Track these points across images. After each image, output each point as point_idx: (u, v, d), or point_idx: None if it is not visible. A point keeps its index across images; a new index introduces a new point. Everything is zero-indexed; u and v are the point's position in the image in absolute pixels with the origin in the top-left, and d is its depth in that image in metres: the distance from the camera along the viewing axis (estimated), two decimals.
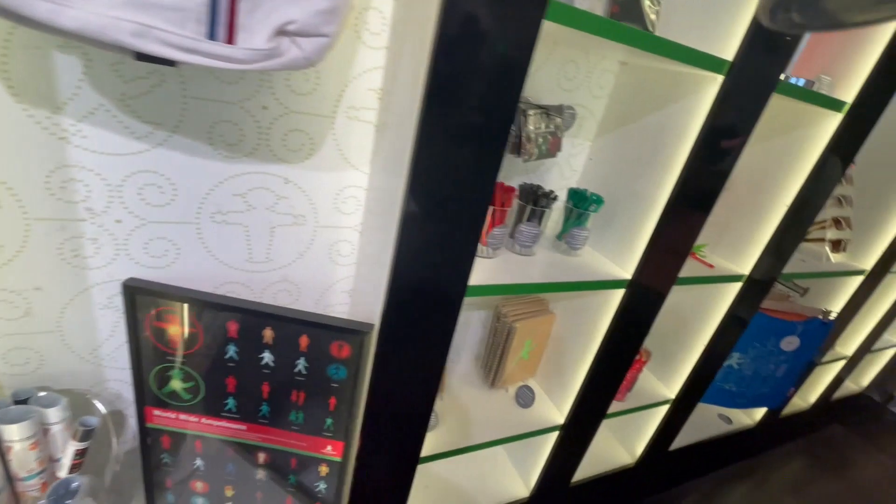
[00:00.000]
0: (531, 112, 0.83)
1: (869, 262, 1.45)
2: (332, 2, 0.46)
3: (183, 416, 0.87)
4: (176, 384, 0.83)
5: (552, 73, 0.90)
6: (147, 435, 0.88)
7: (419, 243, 0.63)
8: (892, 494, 1.89)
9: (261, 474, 0.93)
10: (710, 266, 1.09)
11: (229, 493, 0.95)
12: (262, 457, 0.91)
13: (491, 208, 0.80)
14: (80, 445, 0.73)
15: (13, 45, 0.56)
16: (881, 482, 1.94)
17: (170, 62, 0.50)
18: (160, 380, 0.83)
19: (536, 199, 0.86)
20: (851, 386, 2.21)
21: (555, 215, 1.07)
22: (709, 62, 0.72)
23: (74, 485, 0.65)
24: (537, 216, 0.87)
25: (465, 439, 1.00)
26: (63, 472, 0.73)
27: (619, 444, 1.48)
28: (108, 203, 0.69)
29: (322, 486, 0.93)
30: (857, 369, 2.03)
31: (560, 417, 1.10)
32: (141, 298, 0.75)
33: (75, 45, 0.59)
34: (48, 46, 0.58)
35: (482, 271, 0.80)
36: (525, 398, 1.12)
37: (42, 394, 0.73)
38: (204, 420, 0.87)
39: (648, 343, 1.31)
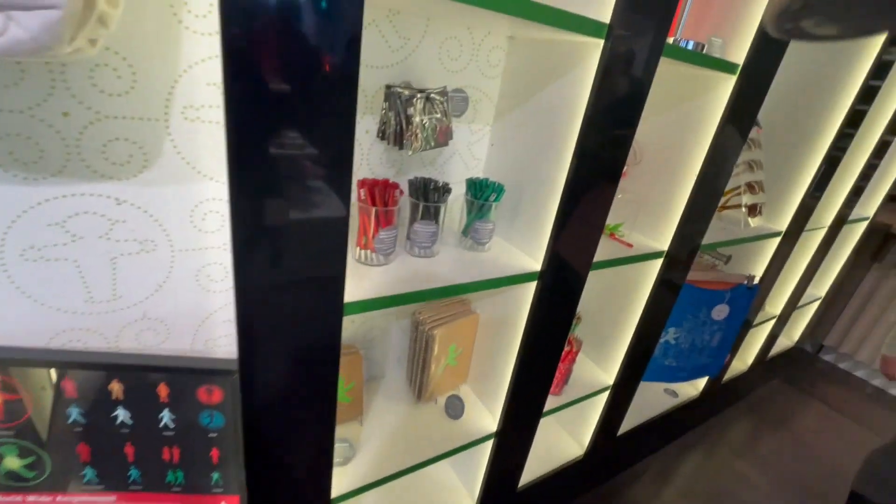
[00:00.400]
0: (412, 98, 0.74)
1: (784, 223, 1.48)
2: None
3: (32, 498, 0.71)
4: (12, 462, 0.68)
5: (431, 53, 0.81)
6: None
7: (262, 260, 0.52)
8: (831, 439, 1.97)
9: None
10: (629, 245, 1.05)
11: None
12: None
13: (373, 209, 0.71)
14: None
15: None
16: (822, 430, 2.03)
17: None
18: None
19: (427, 194, 0.78)
20: (785, 341, 2.30)
21: (457, 209, 0.99)
22: (587, 26, 0.66)
23: None
24: (432, 213, 0.78)
25: (391, 465, 0.91)
26: None
27: (568, 436, 1.43)
28: None
29: None
30: (787, 325, 2.11)
31: (493, 424, 1.03)
32: None
33: None
34: None
35: (372, 281, 0.70)
36: (454, 409, 1.04)
37: None
38: (60, 498, 0.72)
39: (579, 330, 1.27)
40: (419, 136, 0.76)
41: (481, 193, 0.84)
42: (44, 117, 0.57)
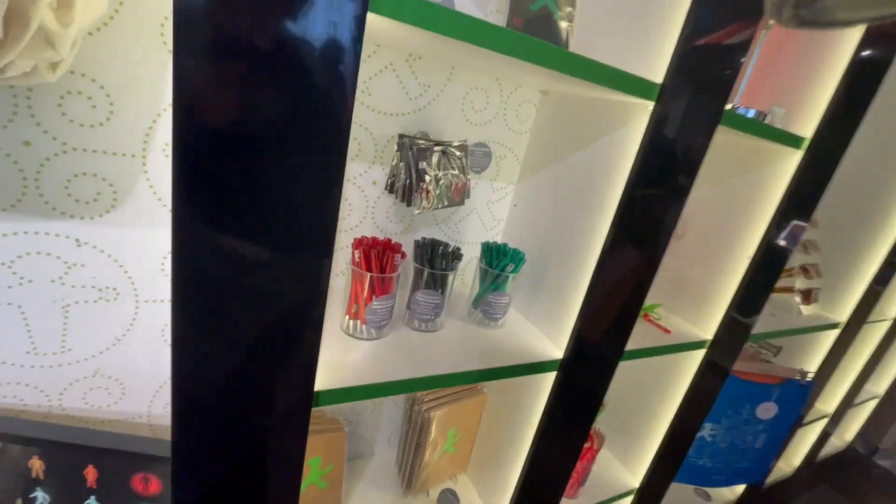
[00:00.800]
0: (427, 150, 0.66)
1: (843, 313, 1.30)
2: None
3: None
4: None
5: (453, 103, 0.73)
6: None
7: (205, 328, 0.42)
8: None
9: None
10: (667, 331, 0.90)
11: None
12: None
13: (368, 275, 0.60)
14: None
15: None
16: None
17: None
18: None
19: (434, 259, 0.67)
20: (836, 442, 2.02)
21: (470, 272, 0.88)
22: (636, 85, 0.56)
23: None
24: (437, 282, 0.67)
25: None
26: None
27: None
28: None
29: None
30: (840, 425, 1.85)
31: None
32: None
33: None
34: None
35: (356, 361, 0.58)
36: None
37: None
38: None
39: (602, 421, 1.10)
40: (431, 192, 0.66)
41: (498, 261, 0.73)
42: (2, 146, 0.50)
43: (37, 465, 0.54)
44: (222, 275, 0.40)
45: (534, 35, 0.48)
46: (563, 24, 0.61)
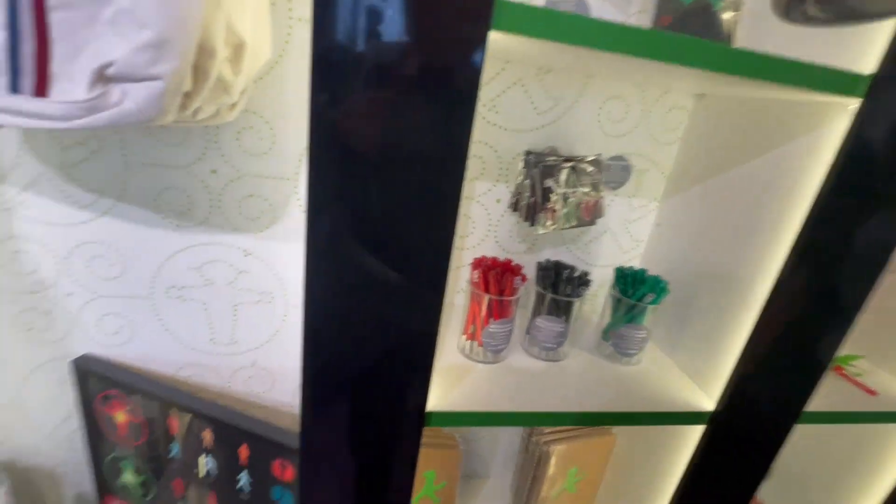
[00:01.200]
0: (555, 166, 0.62)
1: None
2: (160, 32, 0.33)
3: None
4: (128, 477, 0.74)
5: (587, 115, 0.67)
6: None
7: (330, 341, 0.45)
8: None
9: None
10: (871, 392, 0.69)
11: None
12: None
13: (486, 297, 0.59)
14: None
15: None
16: None
17: None
18: (113, 470, 0.74)
19: (558, 284, 0.62)
20: None
21: (601, 297, 0.79)
22: (834, 80, 0.44)
23: None
24: (561, 308, 0.62)
25: None
26: None
27: None
28: (56, 275, 0.64)
29: None
30: None
31: None
32: (91, 379, 0.68)
33: None
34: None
35: (471, 384, 0.57)
36: None
37: None
38: None
39: (771, 493, 0.89)
40: (557, 212, 0.62)
41: (634, 290, 0.64)
42: (197, 173, 0.61)
43: (208, 437, 0.65)
44: (345, 285, 0.42)
45: (688, 33, 0.41)
46: (727, 16, 0.51)
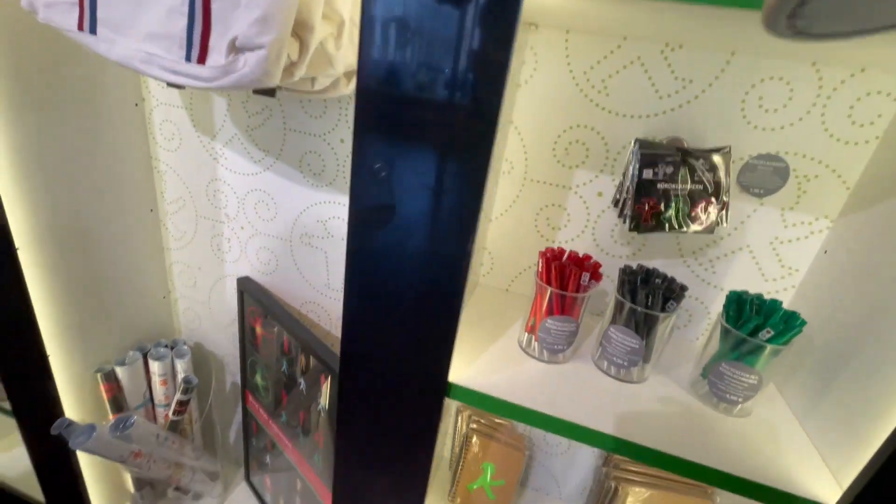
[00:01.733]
0: (664, 158, 0.53)
1: None
2: (264, 9, 0.42)
3: (262, 411, 0.96)
4: (258, 379, 0.94)
5: (727, 101, 0.55)
6: (246, 414, 1.02)
7: (368, 287, 0.49)
8: None
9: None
10: None
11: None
12: (298, 484, 0.90)
13: (548, 290, 0.54)
14: (183, 397, 0.91)
15: (195, 92, 0.79)
16: None
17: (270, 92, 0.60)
18: (251, 370, 0.95)
19: (636, 291, 0.53)
20: None
21: (709, 324, 0.63)
22: None
23: (129, 421, 0.80)
24: (640, 321, 0.53)
25: None
26: (169, 412, 0.92)
27: None
28: (237, 212, 0.86)
29: None
30: None
31: None
32: (246, 296, 0.88)
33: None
34: (209, 90, 0.78)
35: (514, 373, 0.54)
36: None
37: (184, 346, 0.95)
38: (270, 422, 0.94)
39: None
40: (654, 209, 0.53)
41: (744, 320, 0.50)
42: (330, 141, 0.73)
43: (303, 361, 0.78)
44: (380, 250, 0.46)
45: None
46: None
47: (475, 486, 0.81)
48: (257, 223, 0.85)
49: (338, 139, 0.73)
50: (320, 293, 0.87)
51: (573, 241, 0.68)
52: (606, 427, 0.48)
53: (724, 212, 0.55)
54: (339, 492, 0.64)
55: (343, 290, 0.50)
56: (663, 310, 0.52)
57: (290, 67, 0.49)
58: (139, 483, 0.95)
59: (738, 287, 0.62)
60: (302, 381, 0.79)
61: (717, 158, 0.53)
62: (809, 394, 0.52)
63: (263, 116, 0.76)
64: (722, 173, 0.53)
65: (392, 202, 0.44)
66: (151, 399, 0.94)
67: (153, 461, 0.85)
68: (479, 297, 0.72)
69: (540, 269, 0.56)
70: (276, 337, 0.84)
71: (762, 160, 0.56)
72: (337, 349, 0.76)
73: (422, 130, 0.41)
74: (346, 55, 0.53)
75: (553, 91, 0.61)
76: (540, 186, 0.66)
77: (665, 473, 0.69)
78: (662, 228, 0.54)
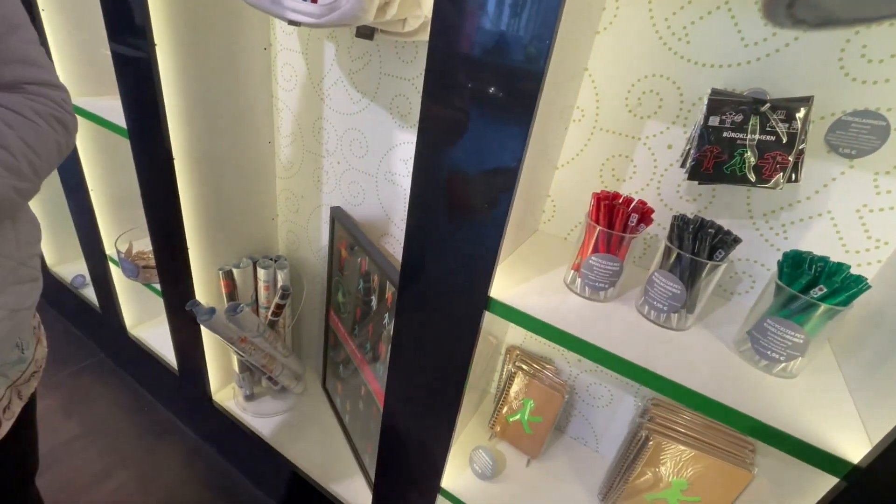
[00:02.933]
0: (734, 103, 0.52)
1: None
2: None
3: (340, 326, 1.11)
4: (339, 297, 1.08)
5: (822, 50, 0.51)
6: (327, 328, 1.19)
7: (421, 229, 0.56)
8: None
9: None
10: None
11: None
12: (362, 390, 1.04)
13: (597, 228, 0.57)
14: (281, 301, 1.09)
15: (311, 37, 0.90)
16: None
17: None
18: (334, 288, 1.09)
19: (683, 237, 0.53)
20: None
21: (760, 286, 0.61)
22: None
23: (239, 307, 0.99)
24: (685, 268, 0.54)
25: None
26: (268, 314, 1.11)
27: None
28: (335, 148, 0.98)
29: None
30: None
31: None
32: (336, 223, 1.02)
33: (331, 34, 0.87)
34: (321, 35, 0.89)
35: (552, 301, 0.59)
36: None
37: (284, 261, 1.13)
38: (347, 336, 1.08)
39: None
40: (715, 159, 0.52)
41: (796, 277, 0.48)
42: (417, 86, 0.81)
43: (375, 281, 0.90)
44: (440, 179, 0.53)
45: None
46: None
47: (514, 418, 0.87)
48: (350, 159, 0.97)
49: (417, 74, 0.81)
50: (397, 227, 0.97)
51: (637, 193, 0.68)
52: (630, 355, 0.51)
53: (797, 168, 0.52)
54: (390, 389, 0.75)
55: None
56: (710, 258, 0.52)
57: (384, 7, 0.56)
58: (242, 366, 1.17)
59: (817, 248, 0.59)
60: (374, 299, 0.91)
61: (794, 108, 0.50)
62: (866, 366, 0.50)
63: (364, 61, 0.86)
64: (798, 125, 0.50)
65: (456, 127, 0.50)
66: (256, 300, 1.14)
67: (254, 349, 1.04)
68: (535, 241, 0.76)
69: (591, 209, 0.59)
70: (356, 261, 0.96)
71: (857, 116, 0.52)
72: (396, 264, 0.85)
73: (481, 72, 0.46)
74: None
75: (631, 38, 0.61)
76: (609, 136, 0.67)
77: (702, 437, 0.69)
78: (723, 179, 0.53)
